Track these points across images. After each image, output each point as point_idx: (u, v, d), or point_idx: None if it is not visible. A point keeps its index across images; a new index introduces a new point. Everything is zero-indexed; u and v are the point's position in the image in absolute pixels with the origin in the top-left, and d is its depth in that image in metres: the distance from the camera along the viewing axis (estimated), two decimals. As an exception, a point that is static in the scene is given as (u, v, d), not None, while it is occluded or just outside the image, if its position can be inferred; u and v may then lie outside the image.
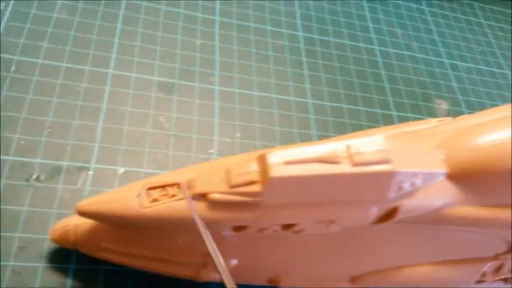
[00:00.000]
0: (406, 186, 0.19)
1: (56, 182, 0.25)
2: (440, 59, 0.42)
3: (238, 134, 0.30)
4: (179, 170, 0.23)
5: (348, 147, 0.19)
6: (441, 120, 0.26)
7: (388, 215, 0.20)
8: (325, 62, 0.37)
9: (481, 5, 0.50)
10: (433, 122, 0.26)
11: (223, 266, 0.17)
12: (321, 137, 0.32)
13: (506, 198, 0.21)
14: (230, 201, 0.19)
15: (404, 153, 0.19)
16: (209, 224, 0.19)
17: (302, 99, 0.34)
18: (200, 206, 0.19)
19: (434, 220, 0.21)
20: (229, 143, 0.29)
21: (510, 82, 0.43)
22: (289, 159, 0.19)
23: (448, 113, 0.37)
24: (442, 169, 0.20)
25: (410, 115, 0.36)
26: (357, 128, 0.33)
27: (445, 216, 0.21)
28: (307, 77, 0.35)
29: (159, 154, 0.27)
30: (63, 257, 0.23)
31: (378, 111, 0.35)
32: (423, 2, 0.47)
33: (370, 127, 0.34)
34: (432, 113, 0.37)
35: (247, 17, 0.37)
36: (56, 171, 0.25)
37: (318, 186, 0.19)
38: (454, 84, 0.40)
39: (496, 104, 0.40)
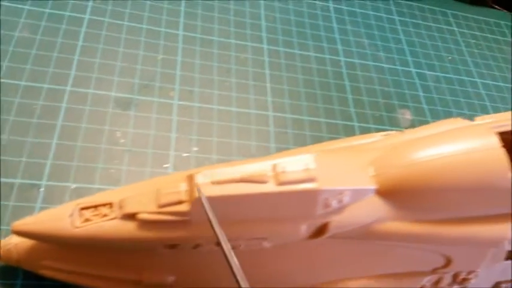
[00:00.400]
0: (334, 203, 0.20)
1: (7, 199, 0.25)
2: (407, 69, 0.42)
3: (195, 148, 0.30)
4: (123, 188, 0.24)
5: (275, 167, 0.19)
6: (386, 134, 0.26)
7: (319, 231, 0.20)
8: (289, 75, 0.37)
9: (455, 12, 0.50)
10: (377, 136, 0.26)
11: (237, 266, 0.17)
12: (279, 150, 0.32)
13: (438, 214, 0.21)
14: (158, 221, 0.19)
15: (332, 171, 0.20)
16: (140, 243, 0.20)
17: (263, 112, 0.34)
18: (130, 226, 0.19)
19: (367, 235, 0.21)
20: (185, 158, 0.30)
21: (479, 90, 0.43)
22: (216, 179, 0.19)
23: (412, 123, 0.37)
24: (372, 185, 0.20)
25: (372, 126, 0.36)
26: (317, 139, 0.34)
27: (377, 232, 0.21)
28: (269, 90, 0.36)
29: (112, 170, 0.28)
30: (11, 273, 0.23)
31: (340, 122, 0.35)
32: (394, 12, 0.47)
33: (330, 139, 0.34)
34: (395, 123, 0.37)
35: (211, 31, 0.38)
36: (9, 188, 0.26)
37: (245, 205, 0.19)
38: (420, 93, 0.40)
39: (463, 112, 0.40)
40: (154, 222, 0.19)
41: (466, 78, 0.44)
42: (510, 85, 0.45)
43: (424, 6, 0.49)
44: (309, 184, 0.19)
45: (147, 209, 0.19)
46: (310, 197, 0.19)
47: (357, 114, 0.37)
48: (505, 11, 0.54)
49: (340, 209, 0.20)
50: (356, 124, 0.36)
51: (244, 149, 0.31)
